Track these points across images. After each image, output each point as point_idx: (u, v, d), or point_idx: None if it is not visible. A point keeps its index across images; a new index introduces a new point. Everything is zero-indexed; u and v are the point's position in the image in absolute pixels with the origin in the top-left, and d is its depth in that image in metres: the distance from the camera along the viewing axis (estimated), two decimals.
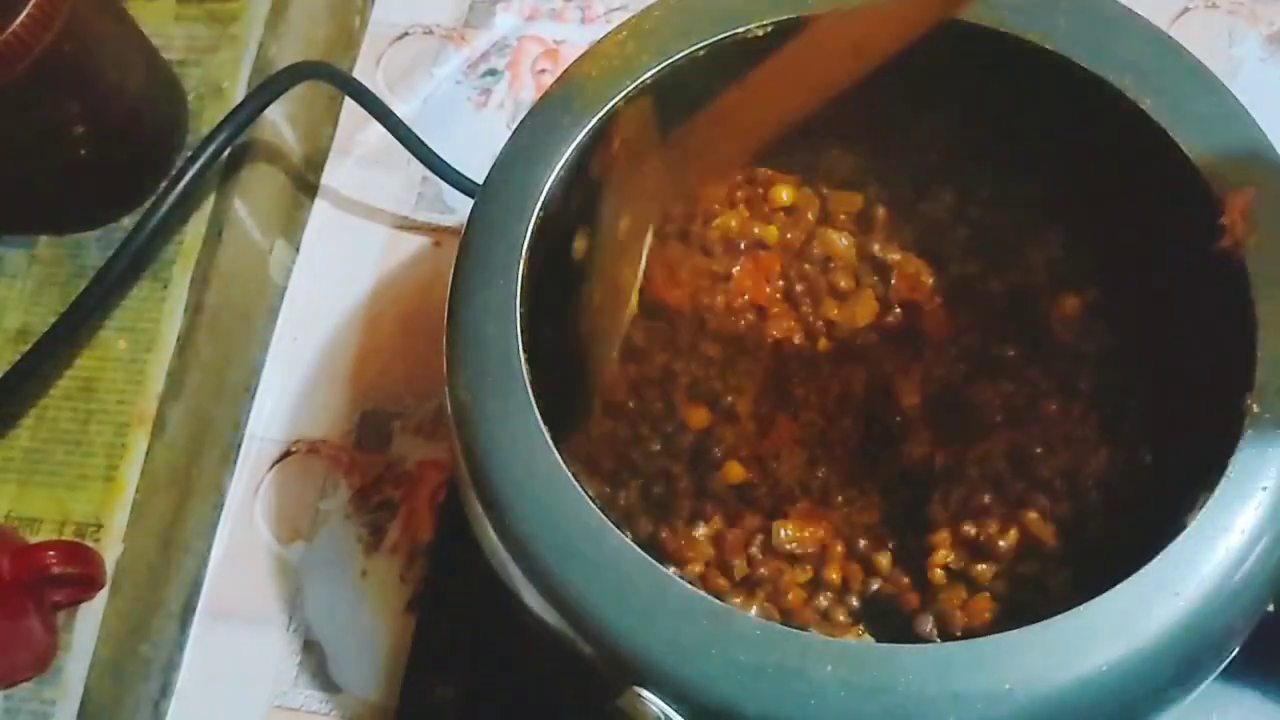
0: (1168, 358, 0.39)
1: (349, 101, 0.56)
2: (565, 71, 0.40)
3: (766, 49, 0.39)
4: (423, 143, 0.53)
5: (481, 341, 0.36)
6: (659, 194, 0.39)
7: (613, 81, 0.39)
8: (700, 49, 0.39)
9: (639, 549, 0.33)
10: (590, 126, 0.39)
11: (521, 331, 0.36)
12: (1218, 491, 0.32)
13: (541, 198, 0.38)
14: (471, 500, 0.35)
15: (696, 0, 0.40)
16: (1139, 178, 0.38)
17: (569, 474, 0.34)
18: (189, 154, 0.47)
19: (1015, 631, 0.31)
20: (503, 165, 0.39)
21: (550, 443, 0.34)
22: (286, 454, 0.52)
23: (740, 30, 0.39)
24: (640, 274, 0.39)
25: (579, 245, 0.40)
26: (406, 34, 0.60)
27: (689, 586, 0.32)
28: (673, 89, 0.39)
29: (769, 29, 0.39)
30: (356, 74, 0.59)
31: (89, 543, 0.43)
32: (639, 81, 0.39)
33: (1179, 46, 0.38)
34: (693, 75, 0.39)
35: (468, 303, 0.37)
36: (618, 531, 0.33)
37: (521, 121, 0.40)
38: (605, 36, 0.40)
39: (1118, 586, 0.31)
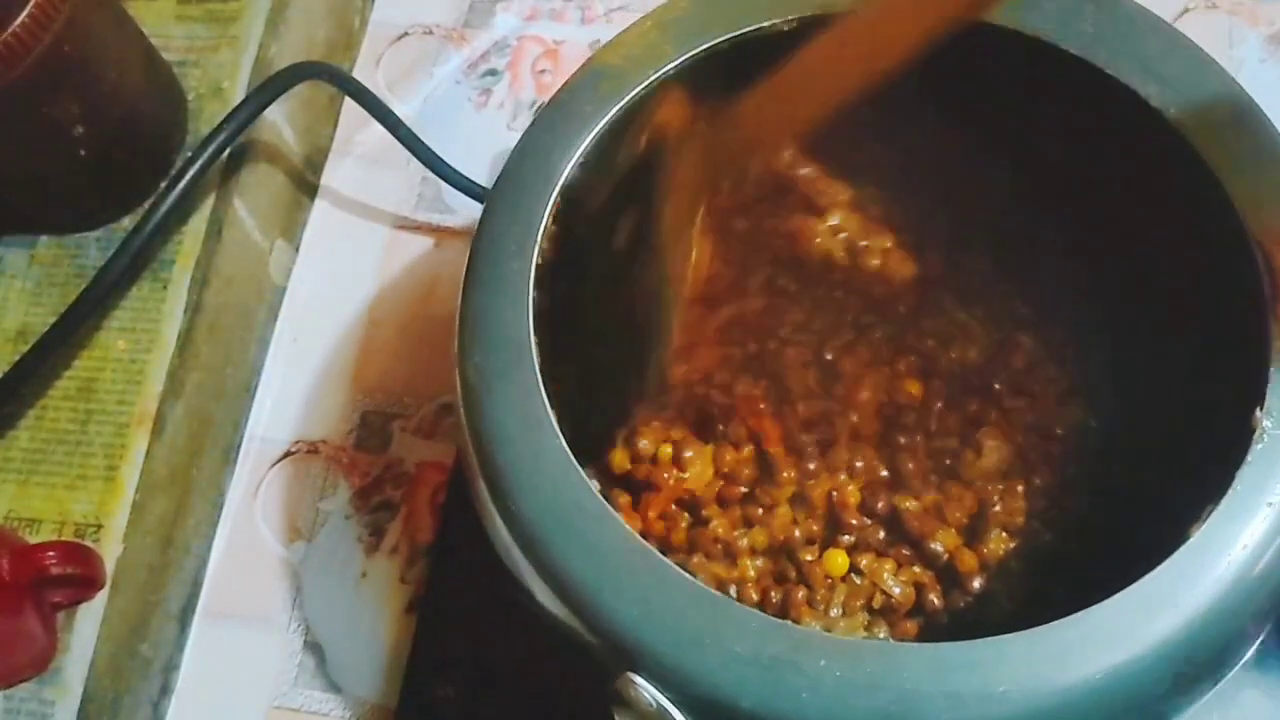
0: (1180, 369, 0.39)
1: (349, 101, 0.56)
2: (589, 60, 0.40)
3: (791, 44, 0.39)
4: (423, 143, 0.53)
5: (493, 324, 0.36)
6: (704, 177, 0.39)
7: (636, 71, 0.39)
8: (724, 41, 0.39)
9: (640, 536, 0.33)
10: (611, 115, 0.38)
11: (533, 316, 0.36)
12: (1223, 504, 0.31)
13: (560, 183, 0.38)
14: (477, 481, 0.35)
15: None
16: (1152, 184, 0.38)
17: (573, 459, 0.34)
18: (189, 154, 0.47)
19: (1013, 635, 0.30)
20: (523, 150, 0.39)
21: (556, 427, 0.34)
22: (286, 454, 0.52)
23: (765, 24, 0.39)
24: (693, 260, 0.39)
25: (620, 236, 0.40)
26: (406, 34, 0.60)
27: (688, 575, 0.32)
28: (696, 81, 0.39)
29: (794, 24, 0.39)
30: (356, 74, 0.59)
31: (89, 543, 0.43)
32: (662, 72, 0.39)
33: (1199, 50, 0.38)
34: (716, 67, 0.39)
35: (481, 284, 0.37)
36: (619, 518, 0.33)
37: (544, 107, 0.40)
38: (630, 26, 0.40)
39: (1118, 595, 0.31)
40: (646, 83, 0.39)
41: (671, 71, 0.39)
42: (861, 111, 0.39)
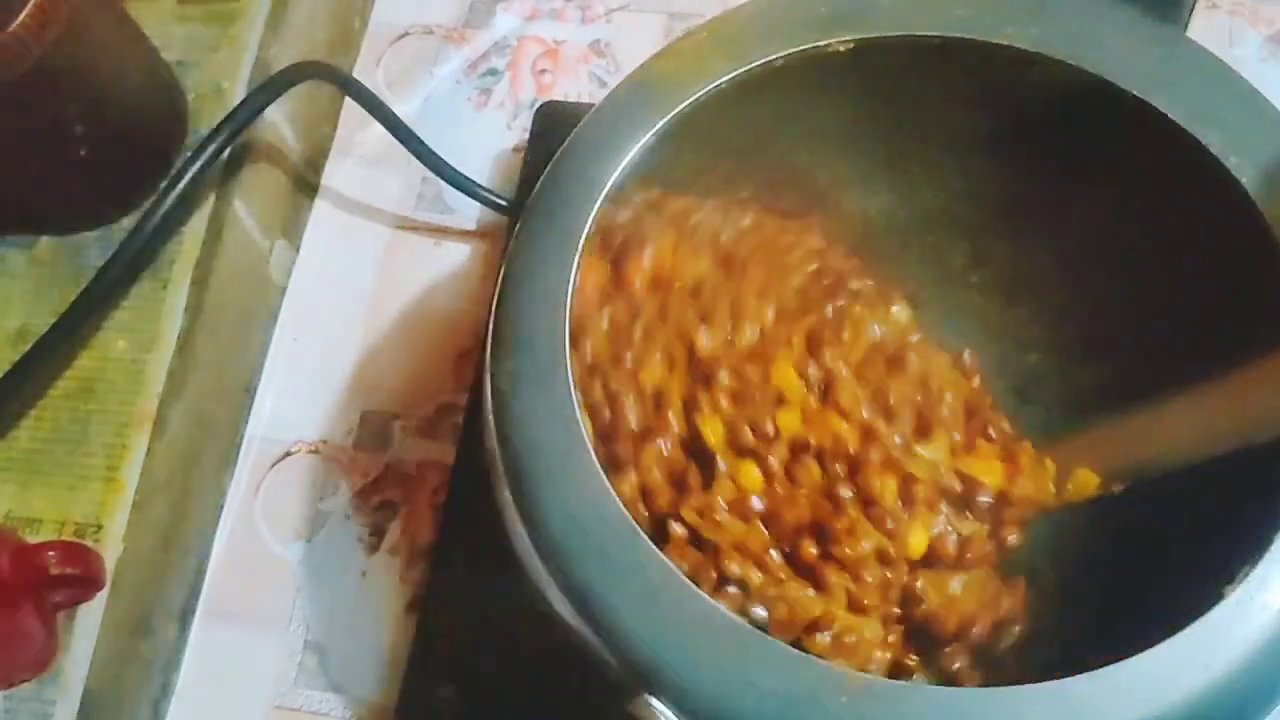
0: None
1: (349, 101, 0.56)
2: (639, 68, 0.39)
3: (846, 65, 0.39)
4: (423, 143, 0.53)
5: (528, 333, 0.35)
6: None
7: (686, 83, 0.38)
8: (779, 59, 0.38)
9: (668, 560, 0.32)
10: (659, 126, 0.38)
11: (569, 328, 0.35)
12: (1259, 566, 0.31)
13: (604, 194, 0.37)
14: (502, 489, 0.35)
15: (779, 9, 0.40)
16: (1187, 224, 0.37)
17: (604, 477, 0.33)
18: (189, 154, 0.47)
19: (1037, 686, 0.30)
20: (567, 157, 0.38)
21: (588, 442, 0.34)
22: (286, 454, 0.52)
23: (822, 44, 0.39)
24: None
25: None
26: (406, 34, 0.60)
27: (713, 602, 0.32)
28: (746, 96, 0.39)
29: (851, 45, 0.38)
30: (356, 74, 0.59)
31: (89, 543, 0.43)
32: (714, 85, 0.38)
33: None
34: (768, 85, 0.39)
35: (518, 292, 0.36)
36: (648, 540, 0.32)
37: (591, 114, 0.39)
38: (683, 36, 0.40)
39: (1147, 651, 0.30)
40: (696, 95, 0.38)
41: (723, 85, 0.38)
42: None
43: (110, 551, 0.44)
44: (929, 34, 0.39)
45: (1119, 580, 0.39)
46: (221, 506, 0.51)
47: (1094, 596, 0.39)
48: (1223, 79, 0.38)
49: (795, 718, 0.30)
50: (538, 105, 0.57)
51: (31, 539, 0.43)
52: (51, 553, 0.41)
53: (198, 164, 0.46)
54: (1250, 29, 0.56)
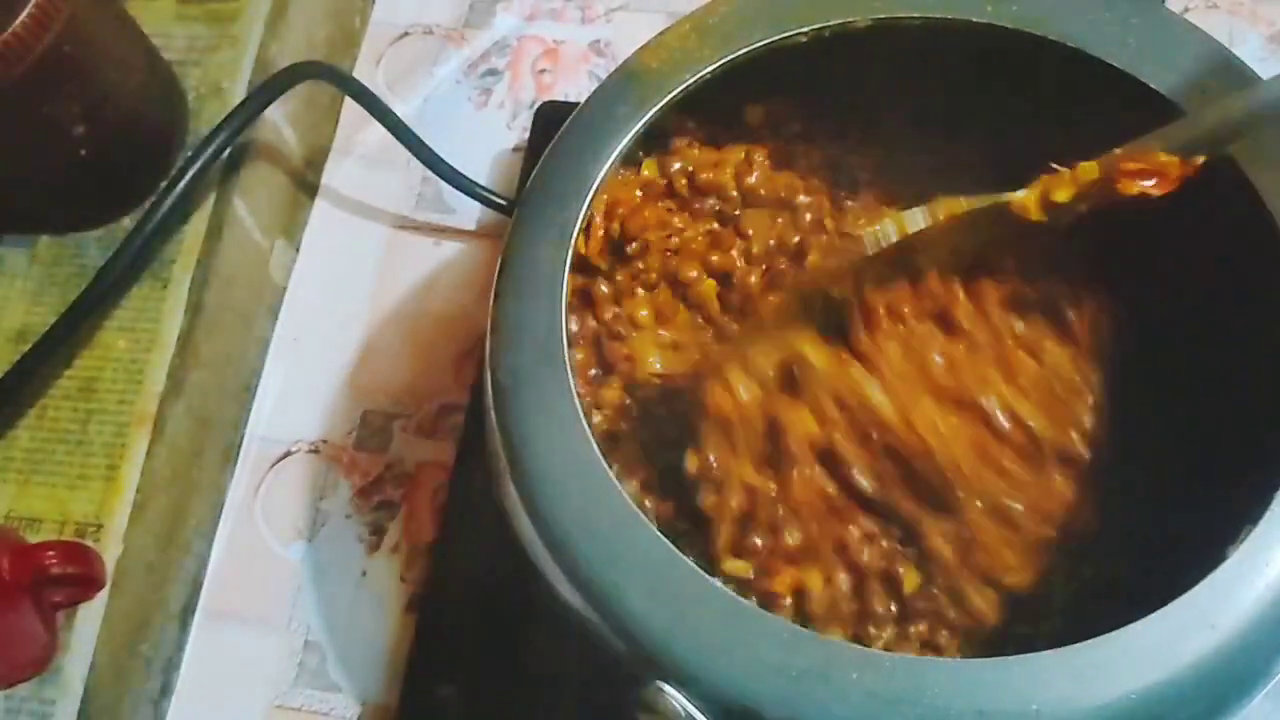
0: (1221, 388, 0.38)
1: (349, 101, 0.56)
2: (626, 61, 0.40)
3: (831, 49, 0.39)
4: (423, 143, 0.53)
5: (526, 328, 0.36)
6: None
7: (673, 74, 0.39)
8: (763, 46, 0.39)
9: (672, 545, 0.32)
10: (648, 118, 0.38)
11: (566, 320, 0.36)
12: (1261, 525, 0.31)
13: (594, 186, 0.38)
14: (506, 484, 0.35)
15: None
16: (1192, 200, 0.37)
17: (605, 466, 0.34)
18: (189, 154, 0.47)
19: (1045, 653, 0.30)
20: (557, 152, 0.39)
21: (589, 433, 0.34)
22: (286, 454, 0.52)
23: (805, 29, 0.39)
24: None
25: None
26: (406, 34, 0.61)
27: (719, 584, 0.32)
28: (732, 85, 0.39)
29: (834, 29, 0.39)
30: (356, 74, 0.59)
31: (89, 543, 0.43)
32: (699, 75, 0.39)
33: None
34: (754, 72, 0.39)
35: (515, 288, 0.37)
36: (651, 526, 0.33)
37: (579, 109, 0.39)
38: (668, 29, 0.40)
39: (1153, 615, 0.30)
40: (683, 86, 0.38)
41: (708, 75, 0.39)
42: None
43: (110, 551, 0.44)
44: (911, 15, 0.39)
45: (1122, 544, 0.39)
46: (221, 506, 0.51)
47: (1101, 564, 0.39)
48: (1204, 47, 0.38)
49: (805, 694, 0.30)
50: (538, 105, 0.57)
51: (31, 539, 0.43)
52: (51, 553, 0.41)
53: (198, 164, 0.46)
54: (1250, 29, 0.56)
